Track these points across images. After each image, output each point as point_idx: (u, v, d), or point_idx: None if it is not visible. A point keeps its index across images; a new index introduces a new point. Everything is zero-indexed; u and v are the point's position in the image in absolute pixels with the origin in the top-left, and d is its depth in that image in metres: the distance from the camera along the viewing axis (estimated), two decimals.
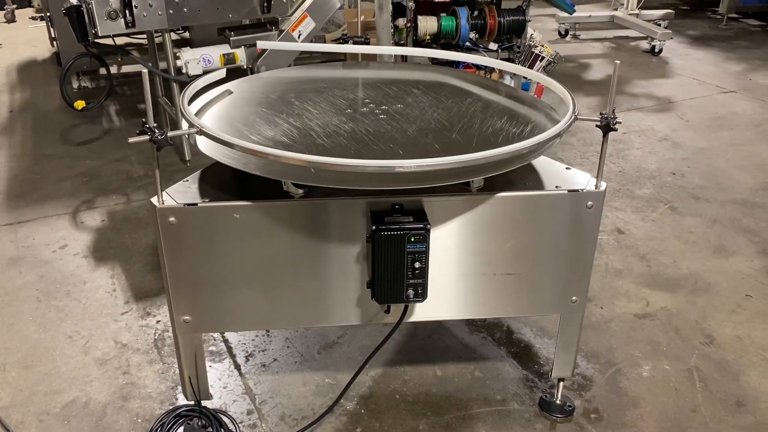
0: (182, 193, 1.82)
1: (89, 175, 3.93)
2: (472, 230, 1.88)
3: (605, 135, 1.81)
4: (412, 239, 1.74)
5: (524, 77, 4.00)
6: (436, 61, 3.88)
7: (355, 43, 2.58)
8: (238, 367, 2.42)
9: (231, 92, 2.24)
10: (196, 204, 1.77)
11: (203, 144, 1.84)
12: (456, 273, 1.93)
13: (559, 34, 7.07)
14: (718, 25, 7.69)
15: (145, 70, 1.64)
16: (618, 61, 1.83)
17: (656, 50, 6.38)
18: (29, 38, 7.18)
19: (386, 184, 1.70)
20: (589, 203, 1.87)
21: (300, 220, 1.82)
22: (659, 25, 6.80)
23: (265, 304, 1.92)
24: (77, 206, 3.58)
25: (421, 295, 1.82)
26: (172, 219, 1.77)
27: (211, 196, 1.81)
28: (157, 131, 1.66)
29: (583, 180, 1.92)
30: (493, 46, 4.48)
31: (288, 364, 2.42)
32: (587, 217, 1.89)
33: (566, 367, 2.16)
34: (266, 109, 2.07)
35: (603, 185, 1.88)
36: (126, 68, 5.13)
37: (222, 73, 2.23)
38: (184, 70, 3.70)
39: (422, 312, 1.95)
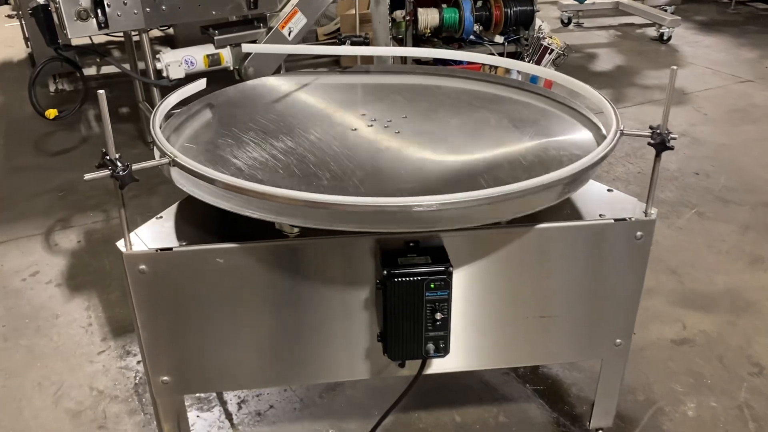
0: (155, 234, 1.53)
1: (65, 190, 3.61)
2: (502, 268, 1.59)
3: (658, 155, 1.52)
4: (432, 285, 1.45)
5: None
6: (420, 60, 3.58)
7: (353, 43, 2.27)
8: (229, 416, 2.12)
9: (213, 105, 1.93)
10: (171, 248, 1.47)
11: (177, 176, 1.53)
12: (482, 318, 1.64)
13: (562, 22, 6.76)
14: (725, 9, 7.37)
15: (103, 93, 1.34)
16: (675, 67, 1.54)
17: (665, 38, 6.08)
18: (5, 38, 6.81)
19: (402, 226, 1.41)
20: (638, 234, 1.59)
21: (296, 262, 1.53)
22: (665, 10, 6.49)
23: (257, 360, 1.63)
24: (51, 225, 3.27)
25: (443, 349, 1.53)
26: (142, 267, 1.47)
27: (189, 236, 1.51)
28: (119, 164, 1.36)
29: (629, 205, 1.63)
30: (498, 39, 4.18)
31: (286, 411, 2.13)
32: (636, 249, 1.61)
33: (607, 416, 1.88)
34: (253, 127, 1.77)
35: (654, 212, 1.59)
36: (105, 68, 4.81)
37: (201, 85, 1.92)
38: (164, 74, 3.39)
39: (443, 364, 1.67)
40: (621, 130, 1.57)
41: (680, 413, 2.14)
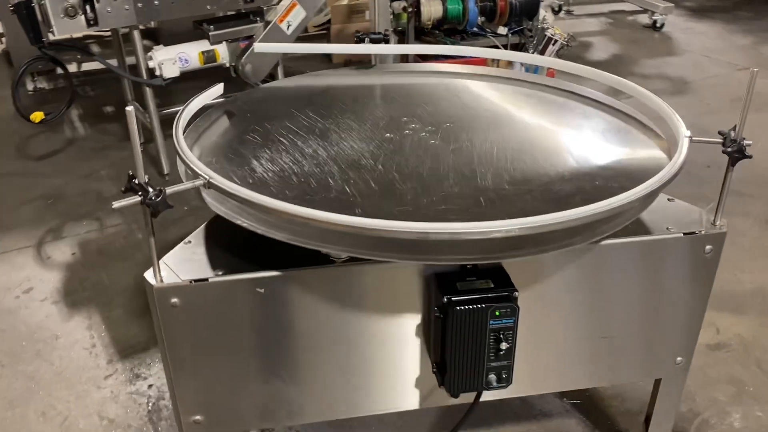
0: (185, 261, 1.37)
1: (53, 197, 3.41)
2: (561, 288, 1.47)
3: (733, 164, 1.41)
4: (497, 313, 1.32)
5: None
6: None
7: (372, 41, 2.13)
8: None
9: (233, 114, 1.78)
10: (206, 279, 1.32)
11: (213, 199, 1.38)
12: (539, 340, 1.52)
13: (553, 10, 6.63)
14: None
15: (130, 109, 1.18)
16: (756, 69, 1.43)
17: (658, 25, 6.00)
18: None
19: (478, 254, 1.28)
20: (708, 248, 1.48)
21: (343, 290, 1.39)
22: None
23: (298, 393, 1.49)
24: (42, 236, 3.08)
25: (506, 380, 1.40)
26: (174, 300, 1.32)
27: (224, 264, 1.36)
28: (151, 189, 1.20)
29: (694, 216, 1.52)
30: (502, 30, 4.05)
31: None
32: (704, 264, 1.50)
33: None
34: (284, 136, 1.62)
35: (723, 223, 1.48)
36: (88, 65, 4.57)
37: (218, 90, 1.76)
38: (157, 72, 3.20)
39: (498, 391, 1.54)
40: (689, 137, 1.45)
41: (727, 426, 2.05)
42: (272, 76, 3.54)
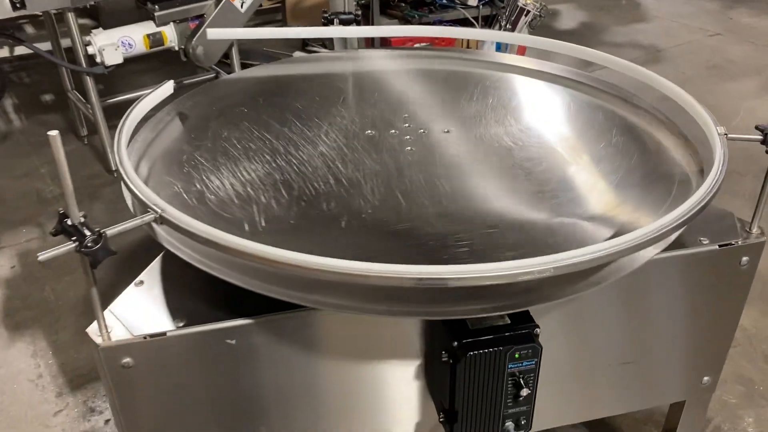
0: (137, 310, 1.13)
1: None
2: (582, 314, 1.27)
3: None
4: (517, 356, 1.12)
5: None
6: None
7: (342, 22, 1.87)
8: None
9: (187, 118, 1.52)
10: (164, 333, 1.08)
11: (165, 235, 1.13)
12: (557, 371, 1.32)
13: None
14: None
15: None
16: None
17: None
18: None
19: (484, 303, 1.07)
20: (744, 259, 1.29)
21: (329, 335, 1.16)
22: None
23: None
24: None
25: (525, 426, 1.21)
26: (127, 360, 1.08)
27: (185, 311, 1.12)
28: (88, 233, 0.95)
29: (728, 222, 1.33)
30: (472, 1, 3.81)
31: None
32: (739, 277, 1.32)
33: None
34: (250, 146, 1.37)
35: (759, 231, 1.30)
36: (22, 48, 4.17)
37: (168, 89, 1.50)
38: (98, 59, 2.88)
39: None
40: (725, 134, 1.25)
41: (741, 430, 1.91)
42: (227, 56, 3.25)
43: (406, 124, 1.51)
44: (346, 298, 1.03)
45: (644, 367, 1.39)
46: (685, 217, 1.04)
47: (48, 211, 2.98)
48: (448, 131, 1.49)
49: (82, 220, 0.96)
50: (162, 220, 1.03)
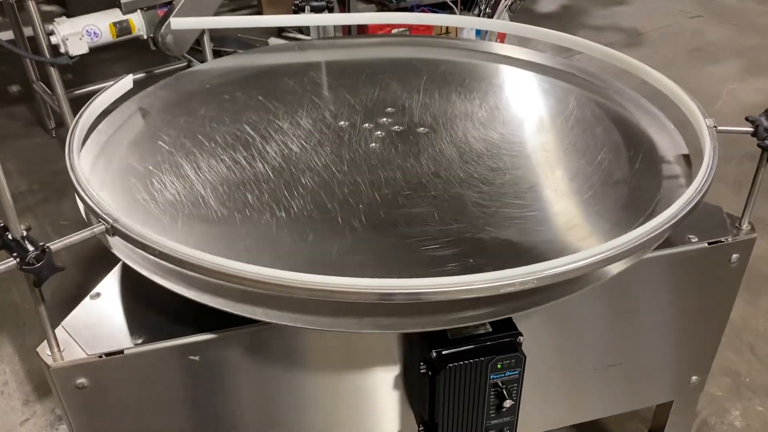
0: (92, 326, 1.05)
1: None
2: (567, 317, 1.21)
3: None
4: (499, 366, 1.06)
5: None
6: None
7: (314, 9, 1.78)
8: None
9: (147, 113, 1.43)
10: (122, 351, 1.00)
11: (122, 246, 1.05)
12: (540, 377, 1.27)
13: None
14: None
15: None
16: None
17: None
18: None
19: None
20: (734, 257, 1.24)
21: (300, 347, 1.09)
22: None
23: None
24: None
25: None
26: (81, 381, 1.00)
27: (144, 326, 1.05)
28: (30, 247, 0.87)
29: (717, 218, 1.27)
30: None
31: None
32: (728, 275, 1.26)
33: None
34: (217, 145, 1.29)
35: (749, 227, 1.25)
36: None
37: (127, 84, 1.41)
38: (62, 49, 2.76)
39: None
40: (714, 126, 1.19)
41: (728, 425, 1.88)
42: (198, 43, 3.14)
43: (384, 119, 1.43)
44: (312, 313, 0.96)
45: (631, 368, 1.34)
46: (675, 220, 0.98)
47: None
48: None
49: (24, 233, 0.88)
50: (114, 231, 0.95)
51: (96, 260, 2.14)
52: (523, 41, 2.66)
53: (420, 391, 1.12)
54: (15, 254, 0.87)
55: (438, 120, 1.40)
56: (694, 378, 1.41)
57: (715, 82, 3.85)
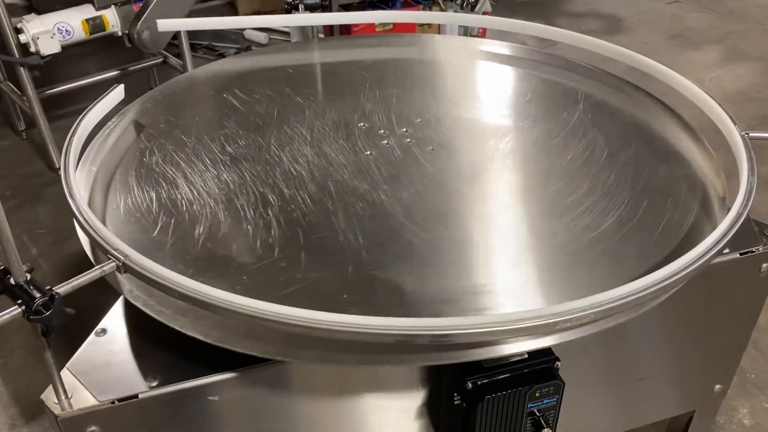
0: (101, 367, 0.97)
1: None
2: (598, 335, 1.16)
3: None
4: (537, 394, 1.01)
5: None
6: None
7: (308, 8, 1.70)
8: None
9: (142, 126, 1.34)
10: (136, 396, 0.92)
11: (133, 286, 0.97)
12: (569, 394, 1.22)
13: None
14: None
15: None
16: None
17: None
18: None
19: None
20: (764, 266, 1.20)
21: (322, 384, 1.03)
22: None
23: None
24: None
25: None
26: (93, 429, 0.92)
27: (157, 365, 0.97)
28: (36, 294, 0.78)
29: (745, 228, 1.23)
30: None
31: None
32: (757, 285, 1.23)
33: None
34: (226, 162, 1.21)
35: None
36: None
37: (119, 95, 1.31)
38: (32, 49, 2.62)
39: None
40: (746, 133, 1.15)
41: (736, 423, 1.86)
42: (175, 37, 3.02)
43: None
44: (339, 351, 0.89)
45: (657, 381, 1.30)
46: (722, 243, 0.93)
47: None
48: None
49: (28, 277, 0.79)
50: (125, 268, 0.86)
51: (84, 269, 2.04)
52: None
53: (450, 422, 1.06)
54: (19, 301, 0.78)
55: None
56: (717, 387, 1.38)
57: (697, 69, 3.85)
